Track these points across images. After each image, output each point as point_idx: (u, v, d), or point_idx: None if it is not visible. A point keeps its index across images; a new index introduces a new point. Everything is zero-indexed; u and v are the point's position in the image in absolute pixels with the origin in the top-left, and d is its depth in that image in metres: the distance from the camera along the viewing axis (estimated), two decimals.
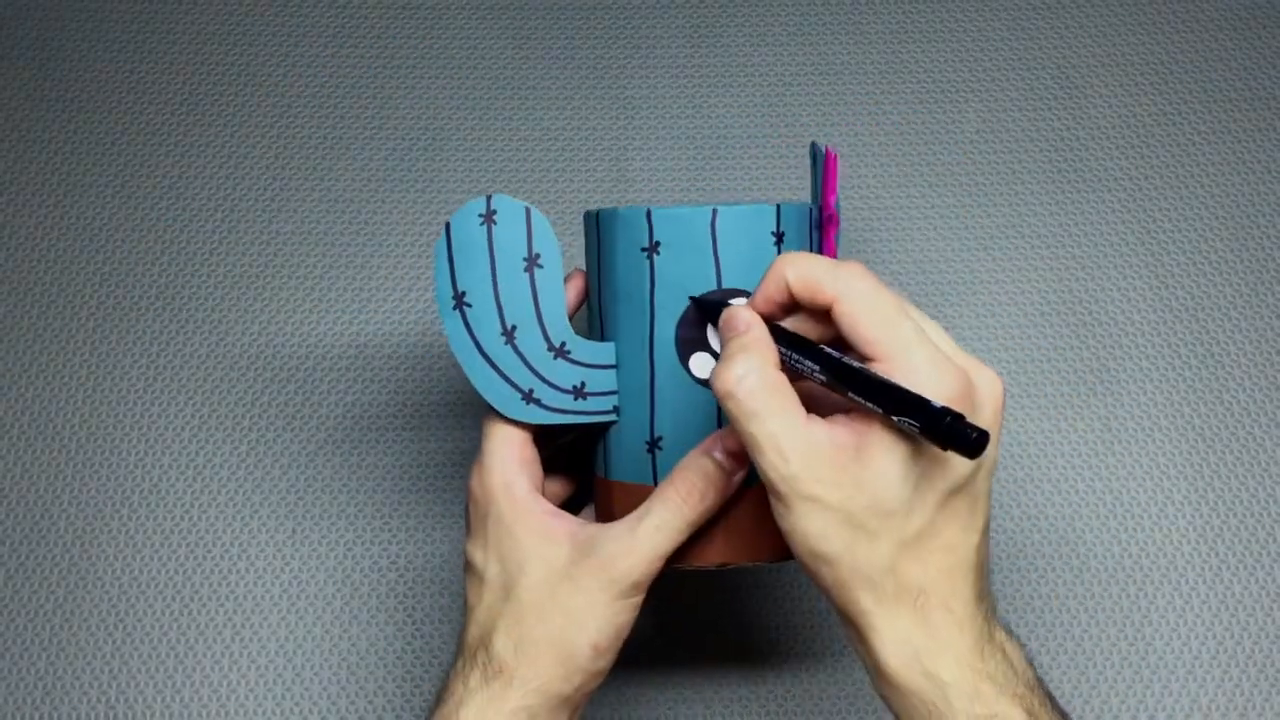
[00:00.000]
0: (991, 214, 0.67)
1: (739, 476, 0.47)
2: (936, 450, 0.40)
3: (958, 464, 0.40)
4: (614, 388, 0.49)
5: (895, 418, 0.39)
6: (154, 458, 0.63)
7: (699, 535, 0.48)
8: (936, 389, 0.39)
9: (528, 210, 0.48)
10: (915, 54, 0.71)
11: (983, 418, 0.41)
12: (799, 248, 0.49)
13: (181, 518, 0.62)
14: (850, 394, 0.40)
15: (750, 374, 0.41)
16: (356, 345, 0.65)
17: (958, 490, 0.41)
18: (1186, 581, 0.61)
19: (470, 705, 0.45)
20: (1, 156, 0.69)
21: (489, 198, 0.48)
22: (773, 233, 0.48)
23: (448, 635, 0.60)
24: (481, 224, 0.49)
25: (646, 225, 0.48)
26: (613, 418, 0.49)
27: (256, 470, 0.63)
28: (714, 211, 0.47)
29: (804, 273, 0.42)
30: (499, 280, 0.49)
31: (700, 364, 0.48)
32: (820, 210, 0.50)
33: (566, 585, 0.45)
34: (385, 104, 0.70)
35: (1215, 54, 0.71)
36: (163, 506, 0.62)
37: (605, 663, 0.46)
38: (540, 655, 0.45)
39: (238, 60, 0.71)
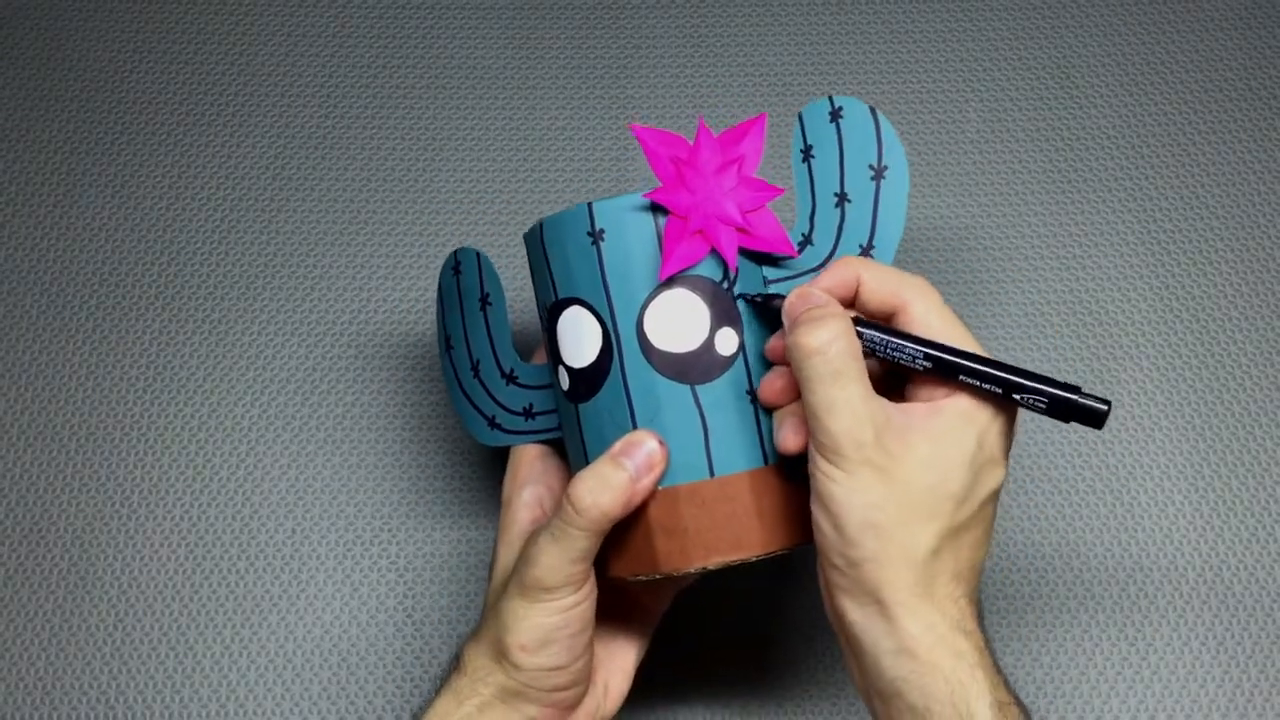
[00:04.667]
0: (991, 214, 0.67)
1: (646, 482, 0.46)
2: (995, 451, 0.43)
3: (1003, 470, 0.43)
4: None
5: (1016, 395, 0.42)
6: (154, 458, 0.63)
7: (645, 543, 0.47)
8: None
9: (478, 255, 0.52)
10: (915, 54, 0.71)
11: None
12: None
13: (181, 518, 0.62)
14: (961, 377, 0.43)
15: (840, 338, 0.42)
16: (356, 345, 0.65)
17: (995, 495, 0.43)
18: (1186, 581, 0.60)
19: (446, 693, 0.50)
20: (1, 156, 0.69)
21: (456, 252, 0.53)
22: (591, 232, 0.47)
23: (447, 635, 0.60)
24: (453, 275, 0.54)
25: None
26: (559, 434, 0.51)
27: (256, 470, 0.63)
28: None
29: (881, 277, 0.45)
30: (466, 321, 0.54)
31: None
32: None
33: (503, 592, 0.49)
34: (385, 104, 0.70)
35: (1215, 54, 0.71)
36: (163, 506, 0.62)
37: (547, 660, 0.47)
38: (484, 655, 0.49)
39: (238, 60, 0.71)
